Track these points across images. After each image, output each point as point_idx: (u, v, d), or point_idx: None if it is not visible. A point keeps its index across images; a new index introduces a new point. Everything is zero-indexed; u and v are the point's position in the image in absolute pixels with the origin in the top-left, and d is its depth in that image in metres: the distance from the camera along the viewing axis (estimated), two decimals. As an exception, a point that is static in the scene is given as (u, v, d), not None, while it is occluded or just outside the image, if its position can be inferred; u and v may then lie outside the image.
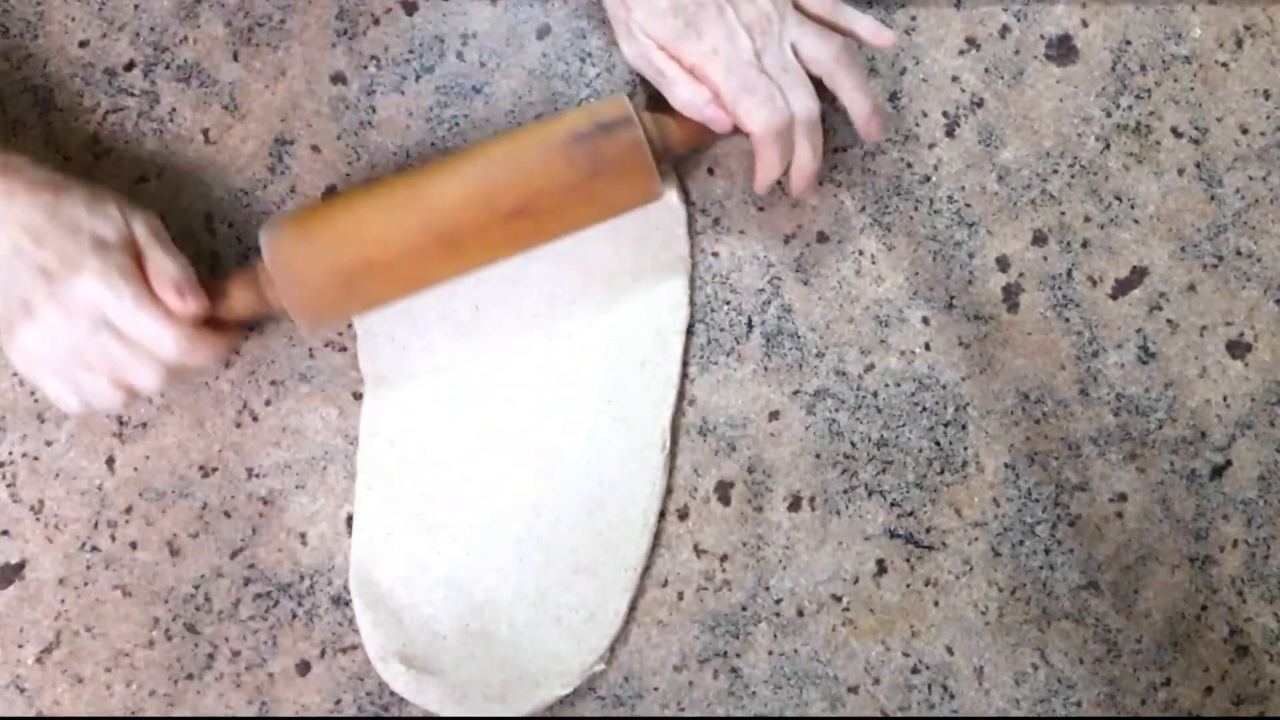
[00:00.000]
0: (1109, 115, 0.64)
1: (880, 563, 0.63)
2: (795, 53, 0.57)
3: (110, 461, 0.62)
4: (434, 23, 0.64)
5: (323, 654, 0.62)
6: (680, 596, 0.62)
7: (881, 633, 0.63)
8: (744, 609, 0.62)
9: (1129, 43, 0.64)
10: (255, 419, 0.63)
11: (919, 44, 0.64)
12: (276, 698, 0.62)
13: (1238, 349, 0.64)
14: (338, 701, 0.62)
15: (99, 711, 0.62)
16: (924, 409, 0.63)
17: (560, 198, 0.57)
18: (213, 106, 0.64)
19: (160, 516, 0.62)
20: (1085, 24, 0.64)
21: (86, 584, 0.62)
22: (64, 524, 0.62)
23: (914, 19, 0.64)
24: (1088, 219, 0.64)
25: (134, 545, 0.62)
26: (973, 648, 0.63)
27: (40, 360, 0.54)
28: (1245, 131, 0.64)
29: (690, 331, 0.63)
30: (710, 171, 0.64)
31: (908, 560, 0.63)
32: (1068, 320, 0.64)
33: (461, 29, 0.64)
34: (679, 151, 0.60)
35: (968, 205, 0.64)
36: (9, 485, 0.62)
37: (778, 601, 0.62)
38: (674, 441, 0.63)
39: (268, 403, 0.63)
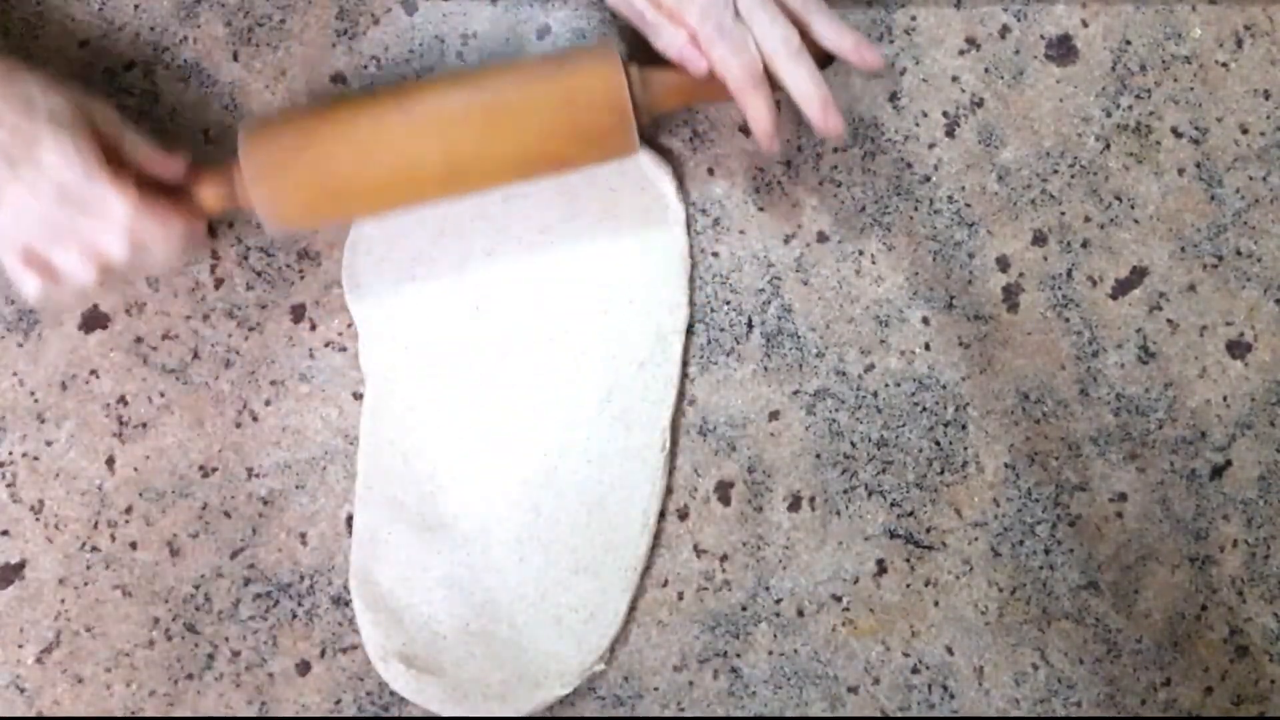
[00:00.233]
0: (1109, 115, 0.64)
1: (880, 563, 0.63)
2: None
3: (110, 461, 0.62)
4: (434, 23, 0.64)
5: (323, 654, 0.62)
6: (680, 596, 0.62)
7: (881, 633, 0.63)
8: (744, 609, 0.62)
9: (1129, 43, 0.64)
10: (255, 419, 0.63)
11: (919, 44, 0.64)
12: (276, 698, 0.62)
13: (1238, 349, 0.64)
14: (338, 701, 0.62)
15: (99, 711, 0.62)
16: (924, 409, 0.63)
17: (541, 126, 0.56)
18: (213, 107, 0.64)
19: (160, 516, 0.62)
20: (1085, 24, 0.64)
21: (86, 584, 0.62)
22: (64, 524, 0.62)
23: (914, 19, 0.64)
24: (1088, 219, 0.64)
25: (134, 545, 0.62)
26: (973, 648, 0.63)
27: (11, 241, 0.54)
28: (1245, 131, 0.64)
29: (690, 331, 0.63)
30: (710, 171, 0.64)
31: (908, 560, 0.63)
32: (1068, 320, 0.64)
33: (461, 29, 0.64)
34: (667, 106, 0.58)
35: (968, 205, 0.64)
36: (9, 485, 0.62)
37: (778, 601, 0.62)
38: (674, 441, 0.63)
39: (268, 403, 0.63)
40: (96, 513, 0.62)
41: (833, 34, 0.56)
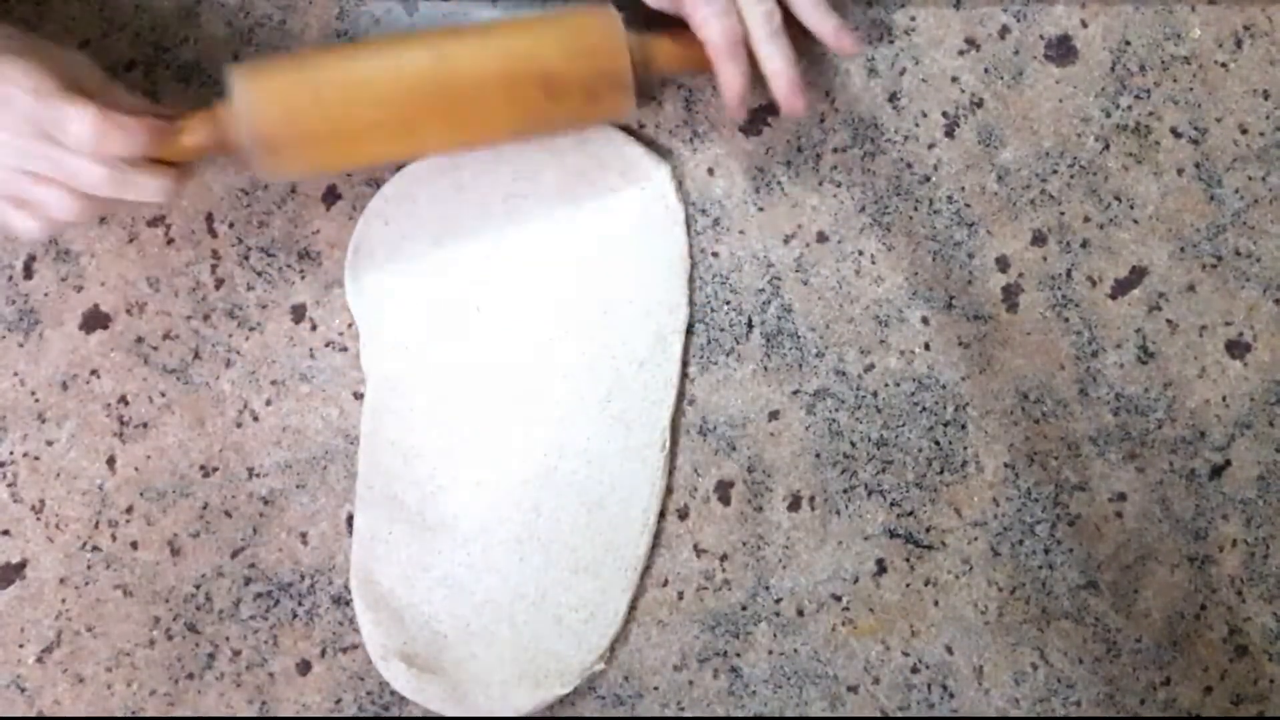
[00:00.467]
0: (1108, 115, 0.64)
1: (880, 562, 0.63)
2: None
3: (111, 461, 0.62)
4: (434, 22, 0.64)
5: (323, 653, 0.62)
6: (680, 596, 0.63)
7: (881, 632, 0.63)
8: (744, 608, 0.62)
9: (1128, 43, 0.64)
10: (256, 419, 0.63)
11: (918, 44, 0.64)
12: (277, 697, 0.62)
13: (1237, 349, 0.64)
14: (338, 701, 0.62)
15: (99, 711, 0.62)
16: (924, 409, 0.63)
17: (539, 55, 0.56)
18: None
19: (161, 516, 0.62)
20: (1085, 24, 0.64)
21: (87, 584, 0.62)
22: (65, 524, 0.62)
23: (914, 19, 0.64)
24: (1087, 219, 0.64)
25: (135, 545, 0.62)
26: (972, 647, 0.63)
27: None
28: (1244, 131, 0.64)
29: (690, 331, 0.63)
30: (710, 172, 0.64)
31: (907, 560, 0.63)
32: (1067, 320, 0.64)
33: (462, 29, 0.64)
34: (660, 66, 0.58)
35: (967, 205, 0.64)
36: (10, 485, 0.62)
37: (778, 601, 0.63)
38: (674, 441, 0.63)
39: (268, 402, 0.63)
40: (97, 512, 0.62)
41: (815, 17, 0.57)
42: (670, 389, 0.62)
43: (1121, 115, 0.64)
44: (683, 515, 0.63)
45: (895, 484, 0.63)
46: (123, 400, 0.63)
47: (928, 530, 0.63)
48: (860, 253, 0.64)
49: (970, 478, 0.63)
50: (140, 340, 0.63)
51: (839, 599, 0.63)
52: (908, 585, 0.63)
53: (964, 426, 0.63)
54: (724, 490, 0.63)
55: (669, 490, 0.63)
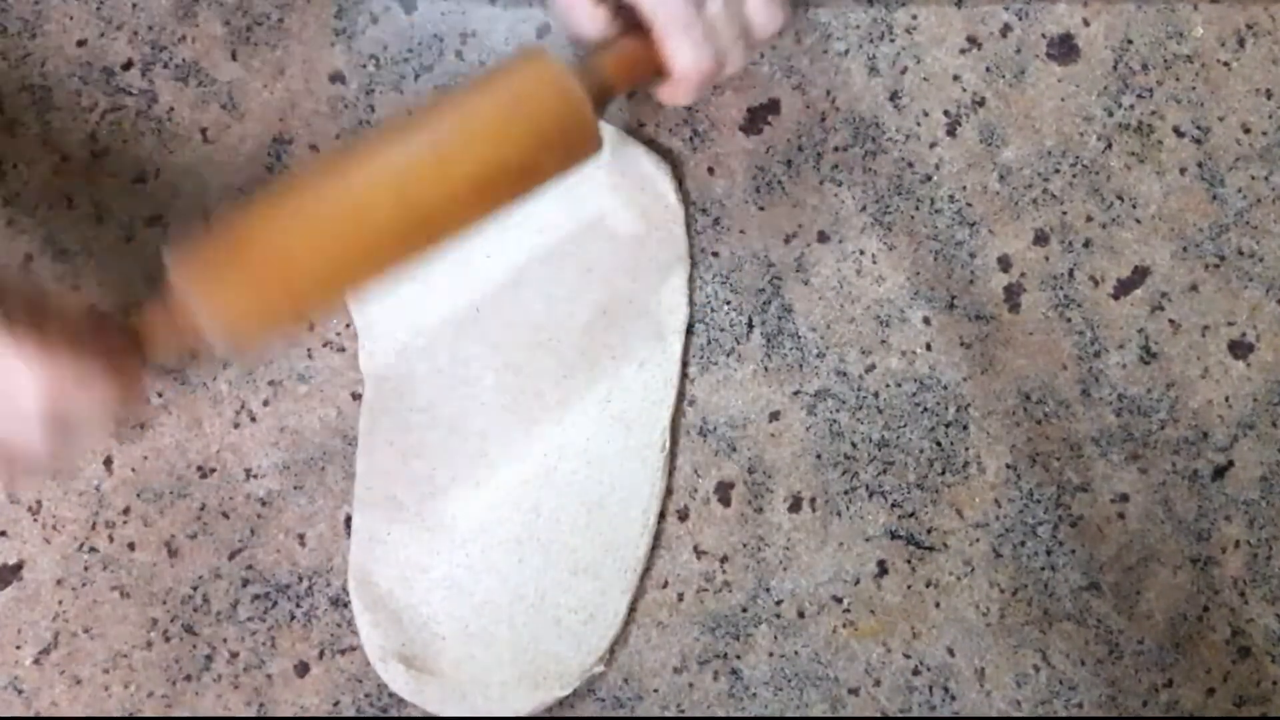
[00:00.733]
0: (1111, 114, 0.64)
1: (881, 564, 0.63)
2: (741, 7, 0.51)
3: (108, 462, 0.62)
4: (433, 22, 0.64)
5: (321, 655, 0.62)
6: (680, 598, 0.62)
7: (882, 634, 0.62)
8: (744, 610, 0.62)
9: (1131, 42, 0.64)
10: (253, 419, 0.63)
11: (920, 43, 0.64)
12: (275, 699, 0.62)
13: (1240, 349, 0.64)
14: (336, 703, 0.62)
15: (97, 713, 0.61)
16: (925, 409, 0.63)
17: (493, 137, 0.48)
18: (211, 106, 0.63)
19: (158, 517, 0.62)
20: (1087, 23, 0.64)
21: (84, 585, 0.62)
22: (62, 524, 0.62)
23: (915, 18, 0.64)
24: (1089, 218, 0.64)
25: (132, 546, 0.62)
26: (974, 649, 0.62)
27: None
28: (1247, 131, 0.64)
29: (690, 331, 0.63)
30: (710, 171, 0.64)
31: (909, 561, 0.63)
32: (1069, 320, 0.63)
33: (461, 28, 0.64)
34: (616, 85, 0.51)
35: (969, 205, 0.64)
36: (7, 486, 0.62)
37: (778, 603, 0.62)
38: (674, 442, 0.62)
39: (266, 403, 0.63)
40: (94, 513, 0.62)
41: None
42: (670, 389, 0.62)
43: (1124, 114, 0.64)
44: (683, 516, 0.63)
45: (896, 485, 0.63)
46: (120, 401, 0.62)
47: (929, 531, 0.63)
48: (861, 252, 0.63)
49: (972, 479, 0.63)
50: (138, 340, 0.63)
51: (840, 601, 0.62)
52: (909, 587, 0.63)
53: (966, 427, 0.63)
54: (724, 491, 0.63)
55: (669, 491, 0.62)
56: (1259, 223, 0.64)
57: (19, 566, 0.62)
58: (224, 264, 0.46)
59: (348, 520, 0.62)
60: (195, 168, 0.63)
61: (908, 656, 0.62)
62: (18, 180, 0.63)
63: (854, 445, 0.63)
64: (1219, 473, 0.63)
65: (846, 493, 0.63)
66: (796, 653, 0.62)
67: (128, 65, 0.64)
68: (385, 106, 0.63)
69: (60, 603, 0.62)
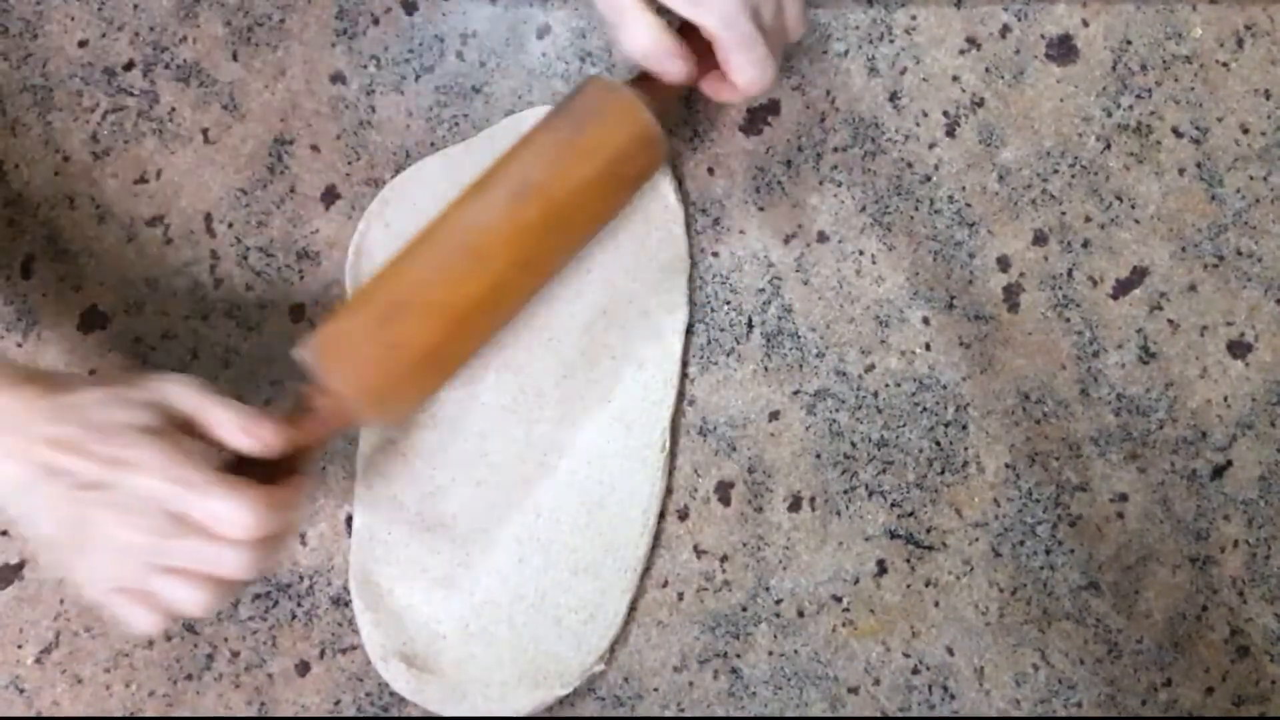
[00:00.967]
0: (1109, 115, 0.64)
1: (881, 563, 0.63)
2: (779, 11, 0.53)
3: (109, 461, 0.62)
4: (434, 22, 0.64)
5: (322, 654, 0.62)
6: (680, 597, 0.62)
7: (882, 633, 0.62)
8: (744, 609, 0.62)
9: (1129, 42, 0.64)
10: (255, 419, 0.63)
11: (919, 44, 0.64)
12: (276, 698, 0.62)
13: (1238, 349, 0.64)
14: (337, 702, 0.62)
15: (98, 712, 0.62)
16: (924, 409, 0.63)
17: (589, 204, 0.55)
18: (212, 106, 0.64)
19: (160, 517, 0.62)
20: (1086, 24, 0.64)
21: (86, 584, 0.62)
22: (63, 524, 0.62)
23: (914, 18, 0.64)
24: (1088, 219, 0.64)
25: (133, 545, 0.62)
26: (973, 648, 0.63)
27: (112, 579, 0.48)
28: (1246, 131, 0.64)
29: (690, 331, 0.63)
30: (710, 171, 0.64)
31: (908, 561, 0.63)
32: (1068, 320, 0.64)
33: (461, 29, 0.64)
34: (673, 109, 0.57)
35: (968, 205, 0.64)
36: (8, 485, 0.62)
37: (778, 602, 0.62)
38: (674, 441, 0.62)
39: (267, 403, 0.63)
40: (96, 513, 0.62)
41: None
42: (670, 389, 0.62)
43: (1123, 115, 0.64)
44: (683, 516, 0.63)
45: (896, 484, 0.63)
46: (121, 400, 0.62)
47: (928, 531, 0.63)
48: (861, 252, 0.64)
49: (971, 478, 0.63)
50: (138, 340, 0.63)
51: (839, 600, 0.63)
52: (908, 586, 0.63)
53: (965, 427, 0.63)
54: (724, 491, 0.63)
55: (669, 491, 0.62)
56: (1258, 223, 0.64)
57: (20, 566, 0.62)
58: (364, 354, 0.52)
59: (348, 520, 0.62)
60: (196, 168, 0.63)
61: (907, 655, 0.63)
62: (19, 180, 0.63)
63: (853, 445, 0.63)
64: (1218, 472, 0.64)
65: (846, 492, 0.63)
66: (796, 652, 0.62)
67: (129, 66, 0.64)
68: (386, 107, 0.63)
69: (61, 602, 0.62)
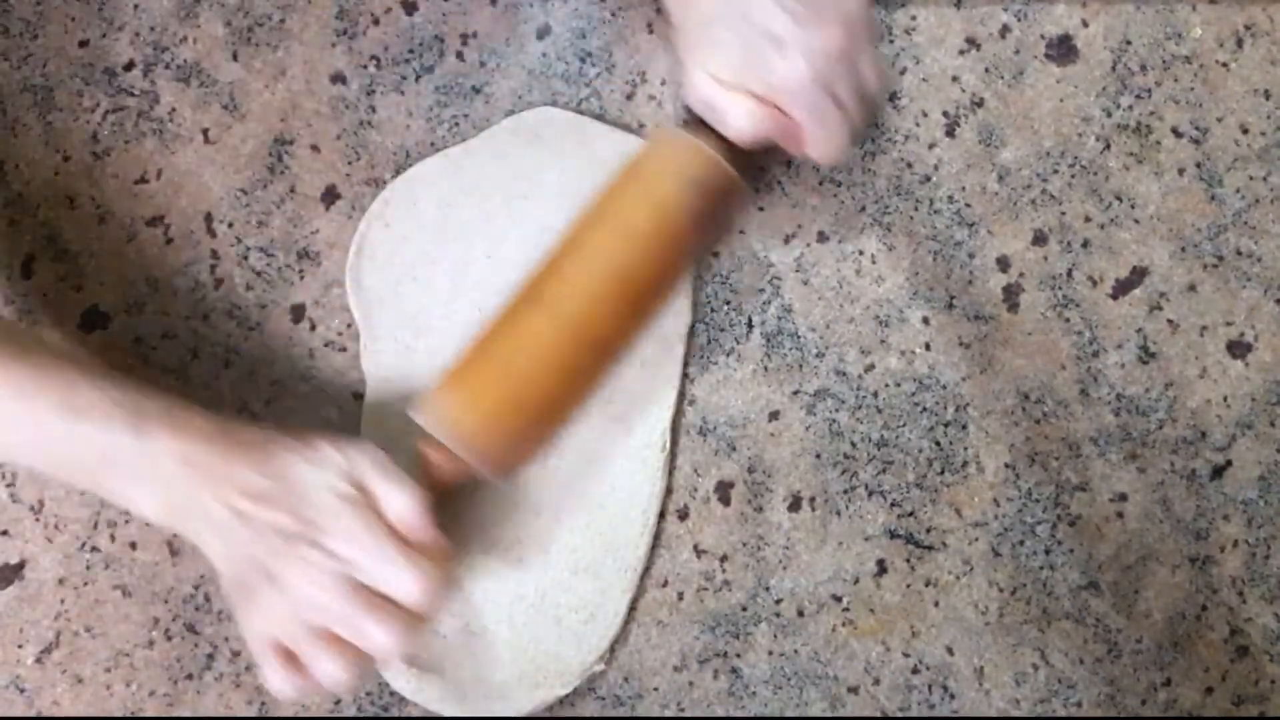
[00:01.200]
0: (1109, 115, 0.64)
1: (880, 563, 0.63)
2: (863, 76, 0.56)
3: (110, 461, 0.62)
4: (434, 22, 0.64)
5: (322, 654, 0.62)
6: (680, 597, 0.62)
7: (882, 633, 0.63)
8: (744, 609, 0.62)
9: (1129, 42, 0.64)
10: (255, 419, 0.63)
11: (919, 44, 0.64)
12: (276, 698, 0.62)
13: (1238, 349, 0.64)
14: (337, 702, 0.62)
15: (99, 711, 0.62)
16: (924, 409, 0.63)
17: (690, 250, 0.58)
18: (212, 106, 0.64)
19: (160, 516, 0.62)
20: (1085, 24, 0.64)
21: (86, 584, 0.62)
22: (64, 524, 0.62)
23: (914, 19, 0.64)
24: (1088, 219, 0.64)
25: (133, 545, 0.62)
26: (973, 648, 0.63)
27: (275, 632, 0.51)
28: (1245, 131, 0.64)
29: (690, 331, 0.63)
30: (710, 171, 0.64)
31: (908, 560, 0.63)
32: (1068, 320, 0.64)
33: (461, 29, 0.64)
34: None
35: (968, 205, 0.64)
36: (9, 485, 0.62)
37: (778, 602, 0.62)
38: (674, 441, 0.62)
39: (267, 403, 0.63)
40: (96, 513, 0.62)
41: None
42: (671, 390, 0.62)
43: (1122, 115, 0.64)
44: (683, 516, 0.63)
45: (896, 484, 0.63)
46: (122, 400, 0.62)
47: (928, 531, 0.63)
48: (860, 253, 0.64)
49: (971, 478, 0.63)
50: (139, 340, 0.63)
51: (839, 599, 0.63)
52: (908, 586, 0.63)
53: (964, 427, 0.63)
54: (724, 491, 0.63)
55: (669, 491, 0.62)
56: (1257, 223, 0.64)
57: (21, 565, 0.62)
58: (482, 410, 0.54)
59: (349, 520, 0.62)
60: (197, 168, 0.63)
61: (907, 655, 0.63)
62: (19, 180, 0.63)
63: (853, 445, 0.63)
64: (1217, 472, 0.64)
65: (846, 492, 0.63)
66: (796, 651, 0.62)
67: (129, 66, 0.64)
68: (386, 108, 0.63)
69: (62, 602, 0.62)
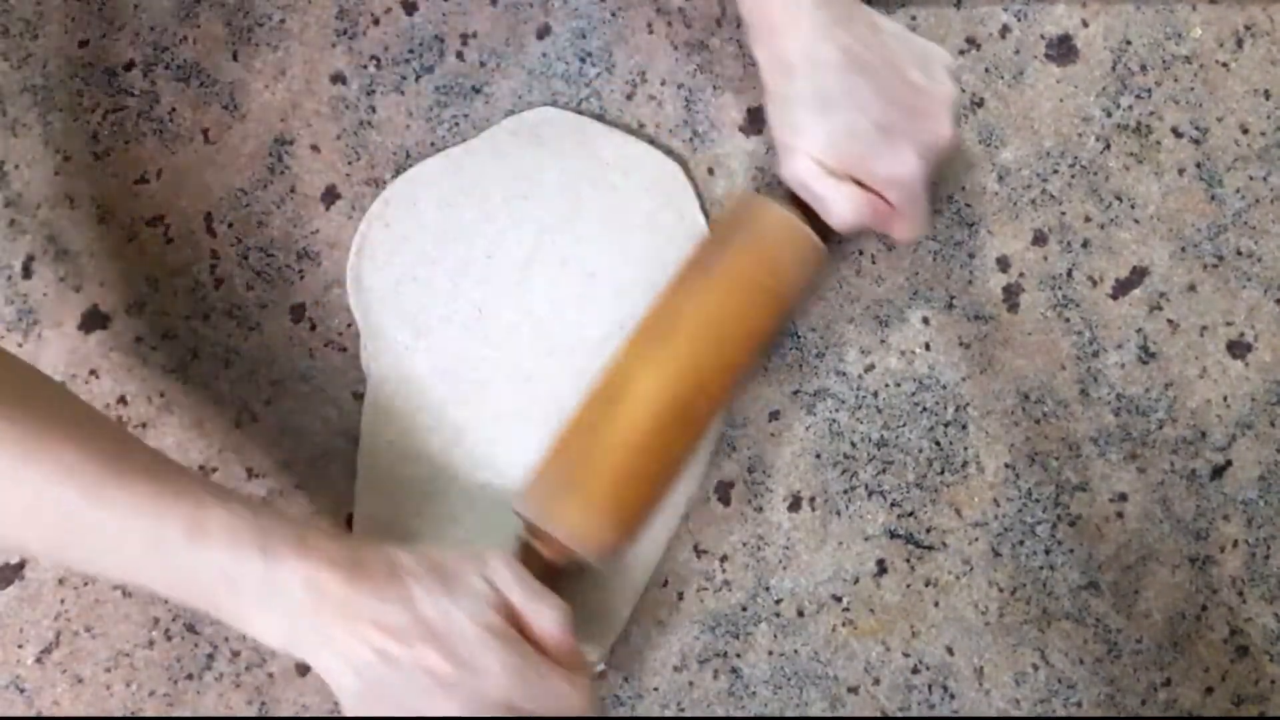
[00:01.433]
0: (1109, 115, 0.64)
1: (880, 563, 0.63)
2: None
3: (110, 461, 0.62)
4: (434, 23, 0.64)
5: (322, 654, 0.62)
6: (680, 596, 0.62)
7: (882, 633, 0.63)
8: (744, 609, 0.62)
9: (1129, 42, 0.64)
10: (255, 419, 0.63)
11: (919, 44, 0.64)
12: (276, 698, 0.62)
13: (1238, 349, 0.64)
14: (338, 702, 0.62)
15: (99, 711, 0.62)
16: (924, 409, 0.63)
17: (779, 321, 0.60)
18: (212, 106, 0.64)
19: (160, 516, 0.62)
20: (1085, 24, 0.64)
21: (86, 584, 0.62)
22: (64, 524, 0.62)
23: (914, 19, 0.64)
24: (1088, 219, 0.64)
25: (134, 545, 0.62)
26: (973, 648, 0.63)
27: None
28: (1245, 131, 0.64)
29: (690, 331, 0.63)
30: (710, 172, 0.64)
31: (908, 560, 0.63)
32: (1068, 320, 0.64)
33: (461, 29, 0.64)
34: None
35: (968, 205, 0.64)
36: (9, 485, 0.62)
37: (778, 602, 0.62)
38: (674, 441, 0.62)
39: (267, 403, 0.63)
40: (96, 513, 0.62)
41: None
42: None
43: (1122, 115, 0.64)
44: (683, 515, 0.63)
45: (895, 484, 0.63)
46: (122, 400, 0.62)
47: (928, 531, 0.63)
48: (860, 252, 0.64)
49: (971, 478, 0.63)
50: (139, 340, 0.63)
51: (839, 599, 0.63)
52: (908, 586, 0.63)
53: (964, 427, 0.63)
54: (724, 490, 0.63)
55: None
56: (1257, 223, 0.64)
57: (21, 565, 0.62)
58: (589, 507, 0.55)
59: (349, 520, 0.62)
60: (197, 168, 0.63)
61: (907, 655, 0.63)
62: (19, 180, 0.63)
63: (853, 445, 0.63)
64: (1217, 472, 0.64)
65: (846, 492, 0.63)
66: (796, 651, 0.62)
67: (129, 66, 0.64)
68: (386, 108, 0.64)
69: (62, 601, 0.62)
